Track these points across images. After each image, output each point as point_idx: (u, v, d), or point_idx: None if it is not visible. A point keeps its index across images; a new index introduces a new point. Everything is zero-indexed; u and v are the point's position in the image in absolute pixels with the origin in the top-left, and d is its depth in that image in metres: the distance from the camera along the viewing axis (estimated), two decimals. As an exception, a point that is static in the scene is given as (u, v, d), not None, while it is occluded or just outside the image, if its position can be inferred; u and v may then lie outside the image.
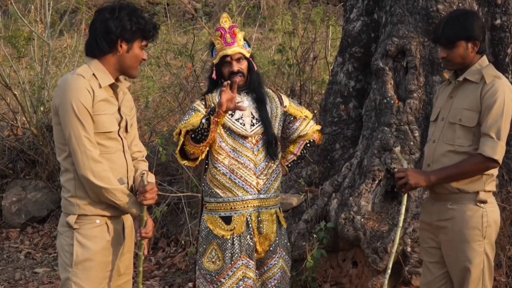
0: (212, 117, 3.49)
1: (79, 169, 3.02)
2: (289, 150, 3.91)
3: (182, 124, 3.64)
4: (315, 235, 4.79)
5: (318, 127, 3.98)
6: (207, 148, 3.62)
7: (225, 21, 3.68)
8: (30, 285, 5.85)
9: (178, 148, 3.62)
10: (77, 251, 3.07)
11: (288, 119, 3.83)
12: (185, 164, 3.69)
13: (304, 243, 4.83)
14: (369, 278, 4.60)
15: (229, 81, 3.50)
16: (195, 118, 3.63)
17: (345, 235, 4.69)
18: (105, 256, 3.12)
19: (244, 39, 3.72)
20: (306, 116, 3.87)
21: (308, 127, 3.88)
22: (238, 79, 3.61)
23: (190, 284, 5.51)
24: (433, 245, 3.48)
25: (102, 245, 3.11)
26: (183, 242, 6.16)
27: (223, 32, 3.66)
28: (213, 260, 3.66)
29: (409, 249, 4.51)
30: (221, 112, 3.47)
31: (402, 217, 3.45)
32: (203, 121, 3.50)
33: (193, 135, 3.54)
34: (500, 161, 3.31)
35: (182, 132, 3.58)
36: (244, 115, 3.69)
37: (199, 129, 3.52)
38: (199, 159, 3.64)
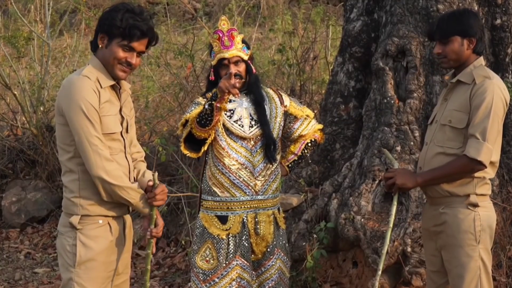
0: (214, 103, 3.52)
1: (92, 169, 3.01)
2: (290, 150, 3.91)
3: (187, 115, 3.66)
4: (315, 235, 4.79)
5: (320, 126, 3.97)
6: (214, 133, 3.63)
7: (224, 24, 3.68)
8: (30, 285, 5.85)
9: (183, 137, 3.65)
10: (80, 251, 3.06)
11: (289, 118, 3.83)
12: (188, 155, 3.69)
13: (304, 243, 4.83)
14: (369, 278, 4.60)
15: (232, 72, 3.52)
16: (199, 110, 3.64)
17: (345, 235, 4.69)
18: (108, 256, 3.13)
19: (244, 41, 3.72)
20: (307, 116, 3.87)
21: (309, 126, 3.88)
22: (237, 81, 3.61)
23: (190, 284, 5.51)
24: (434, 253, 3.45)
25: (104, 245, 3.11)
26: (183, 242, 6.16)
27: (221, 35, 3.66)
28: (207, 259, 3.66)
29: (409, 249, 4.51)
30: (223, 97, 3.51)
31: (392, 218, 3.44)
32: (206, 106, 3.54)
33: (198, 120, 3.57)
34: (487, 163, 3.25)
35: (190, 121, 3.60)
36: (242, 117, 3.69)
37: (203, 114, 3.55)
38: (202, 151, 3.65)
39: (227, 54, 3.65)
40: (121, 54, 3.08)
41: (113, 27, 3.06)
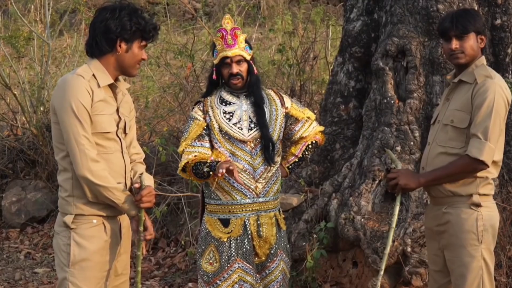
0: (212, 173, 3.53)
1: (77, 168, 3.02)
2: (290, 151, 3.91)
3: (184, 139, 3.68)
4: (315, 235, 4.79)
5: (321, 128, 3.96)
6: None
7: (227, 23, 3.68)
8: (30, 285, 5.85)
9: (180, 168, 3.67)
10: (74, 251, 3.07)
11: (290, 120, 3.82)
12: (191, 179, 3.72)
13: (304, 243, 4.83)
14: (369, 278, 4.60)
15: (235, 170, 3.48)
16: (195, 128, 3.66)
17: (345, 235, 4.69)
18: (102, 256, 3.13)
19: (246, 42, 3.72)
20: (308, 118, 3.86)
21: (310, 128, 3.87)
22: (236, 175, 3.52)
23: (190, 284, 5.52)
24: (436, 252, 3.45)
25: (99, 245, 3.11)
26: (183, 242, 6.16)
27: (224, 34, 3.66)
28: (211, 261, 3.66)
29: (409, 249, 4.51)
30: (219, 176, 3.51)
31: (395, 218, 3.43)
32: (205, 169, 3.55)
33: (195, 171, 3.59)
34: (489, 163, 3.26)
35: (187, 165, 3.62)
36: (242, 119, 3.68)
37: (200, 173, 3.58)
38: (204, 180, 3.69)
39: (230, 53, 3.64)
40: (142, 54, 3.17)
41: (137, 31, 3.11)
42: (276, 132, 3.72)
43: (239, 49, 3.65)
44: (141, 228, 3.18)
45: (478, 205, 3.32)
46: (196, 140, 3.66)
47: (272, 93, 3.83)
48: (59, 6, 10.96)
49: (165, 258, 6.19)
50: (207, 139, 3.67)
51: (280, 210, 3.84)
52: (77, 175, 3.03)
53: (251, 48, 3.75)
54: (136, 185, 3.14)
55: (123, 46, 3.12)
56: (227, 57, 3.64)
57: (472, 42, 3.36)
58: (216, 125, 3.65)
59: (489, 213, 3.36)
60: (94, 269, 3.10)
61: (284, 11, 9.25)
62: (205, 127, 3.67)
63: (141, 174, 3.18)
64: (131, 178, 3.25)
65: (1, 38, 8.75)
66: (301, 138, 3.86)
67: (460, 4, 5.00)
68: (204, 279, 3.67)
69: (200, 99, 3.80)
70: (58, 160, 3.12)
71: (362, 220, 4.65)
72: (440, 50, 4.89)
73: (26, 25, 8.55)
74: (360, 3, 5.50)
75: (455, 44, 3.36)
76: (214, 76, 3.73)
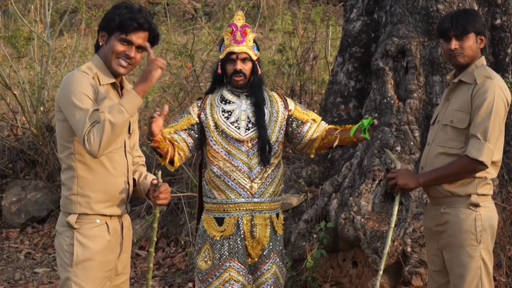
0: (151, 144, 3.49)
1: (79, 133, 2.94)
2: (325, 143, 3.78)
3: (169, 126, 3.70)
4: (315, 235, 4.79)
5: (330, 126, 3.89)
6: (178, 160, 3.63)
7: (239, 19, 3.69)
8: (30, 285, 5.85)
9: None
10: (77, 251, 3.06)
11: (295, 122, 3.77)
12: (164, 164, 3.67)
13: (304, 243, 4.83)
14: (369, 278, 4.60)
15: (164, 111, 3.43)
16: (184, 122, 3.68)
17: (345, 235, 4.69)
18: (105, 255, 3.12)
19: (255, 41, 3.71)
20: (313, 119, 3.81)
21: (320, 127, 3.80)
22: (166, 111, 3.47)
23: (190, 284, 5.52)
24: (436, 252, 3.45)
25: (102, 244, 3.11)
26: (183, 242, 6.17)
27: (234, 29, 3.66)
28: (205, 259, 3.67)
29: (409, 249, 4.51)
30: (154, 138, 3.45)
31: (394, 218, 3.44)
32: (150, 144, 3.51)
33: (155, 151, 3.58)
34: (488, 163, 3.26)
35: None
36: (240, 119, 3.67)
37: (153, 148, 3.54)
38: (175, 165, 3.65)
39: (236, 49, 3.63)
40: (119, 47, 3.09)
41: (111, 23, 3.09)
42: (274, 133, 3.70)
43: (246, 47, 3.65)
44: (155, 225, 3.17)
45: (476, 205, 3.32)
46: (180, 131, 3.67)
47: (275, 95, 3.81)
48: (59, 6, 10.96)
49: (165, 258, 6.20)
50: (188, 133, 3.67)
51: (279, 214, 3.78)
52: (81, 141, 2.95)
53: (258, 49, 3.73)
54: (154, 181, 3.12)
55: (105, 38, 3.13)
56: (233, 53, 3.64)
57: (471, 43, 3.36)
58: (211, 123, 3.65)
59: (487, 213, 3.36)
60: (97, 269, 3.10)
61: (284, 11, 9.25)
62: (194, 124, 3.67)
63: (158, 171, 3.17)
64: (134, 179, 3.26)
65: (1, 38, 8.75)
66: (311, 140, 3.78)
67: (460, 4, 5.00)
68: (199, 276, 3.69)
69: (202, 96, 3.81)
70: (62, 158, 3.11)
71: (362, 220, 4.65)
72: (440, 50, 4.89)
73: (26, 25, 8.55)
74: (360, 3, 5.51)
75: (454, 44, 3.36)
76: (219, 71, 3.72)
